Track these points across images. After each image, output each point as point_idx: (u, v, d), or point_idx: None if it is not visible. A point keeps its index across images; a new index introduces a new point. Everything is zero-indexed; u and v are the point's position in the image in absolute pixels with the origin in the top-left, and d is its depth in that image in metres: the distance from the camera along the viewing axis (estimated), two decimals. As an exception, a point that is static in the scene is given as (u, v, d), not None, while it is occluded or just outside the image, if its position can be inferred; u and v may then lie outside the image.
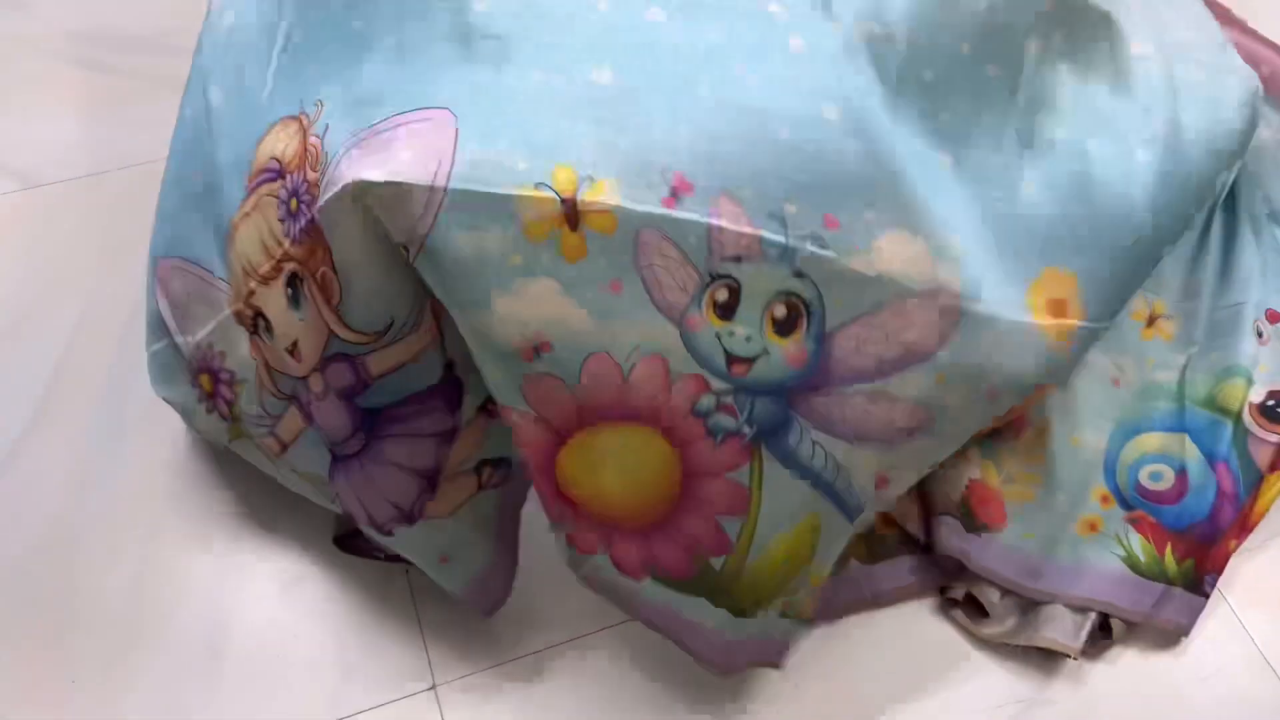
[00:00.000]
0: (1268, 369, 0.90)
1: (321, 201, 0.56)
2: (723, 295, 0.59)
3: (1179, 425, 0.87)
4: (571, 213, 0.56)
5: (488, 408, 0.65)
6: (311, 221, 0.57)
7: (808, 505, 0.64)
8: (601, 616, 0.77)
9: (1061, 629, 0.77)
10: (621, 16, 0.59)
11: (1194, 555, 0.82)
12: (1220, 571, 0.82)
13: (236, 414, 0.71)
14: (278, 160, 0.61)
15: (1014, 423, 0.82)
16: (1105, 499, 0.85)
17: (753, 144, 0.58)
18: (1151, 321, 0.93)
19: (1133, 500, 0.85)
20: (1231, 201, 0.95)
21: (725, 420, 0.61)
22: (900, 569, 0.81)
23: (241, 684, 0.74)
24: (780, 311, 0.60)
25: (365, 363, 0.62)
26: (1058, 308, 0.64)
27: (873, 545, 0.82)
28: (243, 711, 0.73)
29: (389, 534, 0.67)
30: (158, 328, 0.75)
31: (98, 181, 1.01)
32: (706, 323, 0.60)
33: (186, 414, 0.77)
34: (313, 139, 0.59)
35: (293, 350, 0.63)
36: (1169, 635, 0.79)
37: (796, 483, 0.63)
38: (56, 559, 0.78)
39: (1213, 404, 0.88)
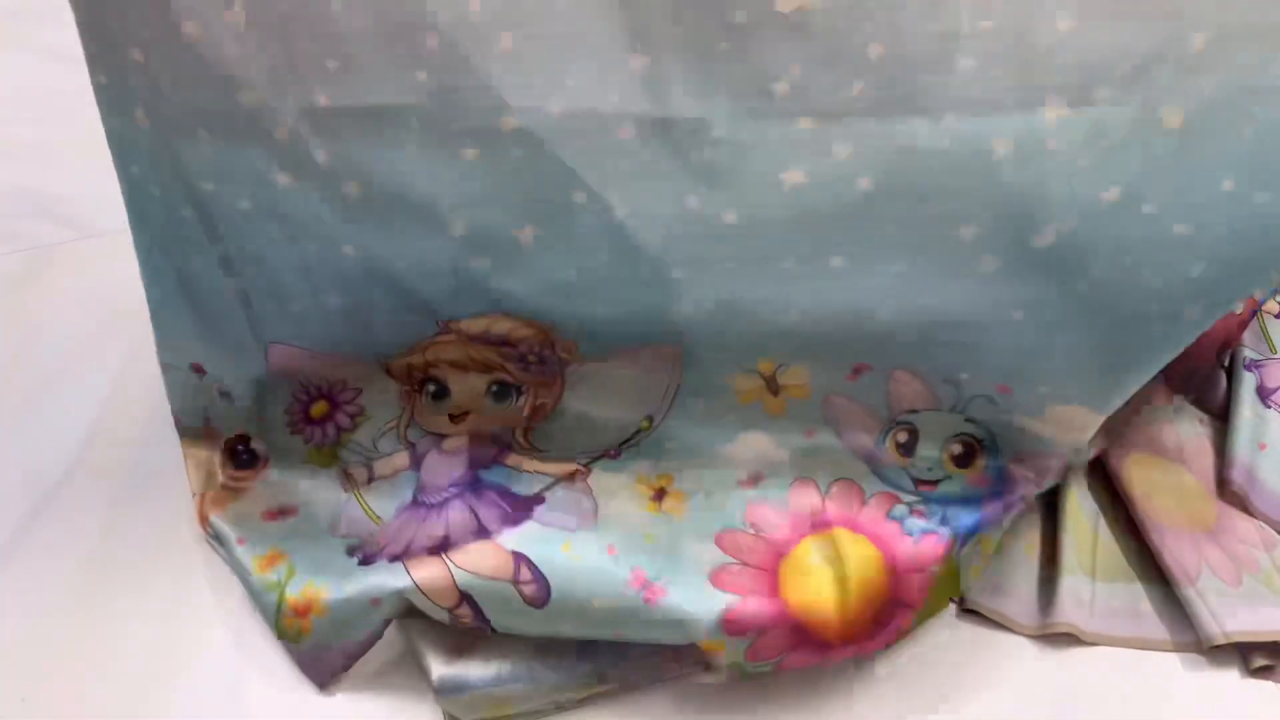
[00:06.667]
0: None
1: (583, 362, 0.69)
2: (903, 437, 0.68)
3: None
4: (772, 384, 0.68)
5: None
6: (560, 372, 0.69)
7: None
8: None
9: None
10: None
11: None
12: None
13: (341, 441, 0.75)
14: (501, 336, 0.68)
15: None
16: None
17: (924, 338, 0.63)
18: None
19: None
20: None
21: (918, 521, 0.66)
22: None
23: (256, 749, 0.72)
24: (956, 449, 0.68)
25: (508, 450, 0.73)
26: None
27: None
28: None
29: (371, 562, 0.69)
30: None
31: (151, 230, 1.03)
32: (892, 460, 0.68)
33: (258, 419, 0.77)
34: (565, 340, 0.68)
35: (458, 417, 0.72)
36: None
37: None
38: (83, 603, 0.78)
39: None
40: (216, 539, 0.75)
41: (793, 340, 0.65)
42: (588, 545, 0.68)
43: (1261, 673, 0.72)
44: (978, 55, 0.52)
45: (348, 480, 0.74)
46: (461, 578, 0.66)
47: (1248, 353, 0.86)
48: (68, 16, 1.11)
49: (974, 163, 0.54)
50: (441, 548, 0.68)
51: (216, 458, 0.78)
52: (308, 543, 0.73)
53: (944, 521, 0.66)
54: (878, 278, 0.60)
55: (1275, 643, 0.71)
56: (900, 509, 0.68)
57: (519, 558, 0.67)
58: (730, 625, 0.64)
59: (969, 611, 0.76)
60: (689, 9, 0.54)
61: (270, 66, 0.57)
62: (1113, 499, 0.80)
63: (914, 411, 0.67)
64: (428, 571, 0.67)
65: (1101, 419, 0.64)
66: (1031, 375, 0.63)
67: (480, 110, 0.57)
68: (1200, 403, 0.86)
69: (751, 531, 0.68)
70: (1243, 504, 0.79)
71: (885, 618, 0.65)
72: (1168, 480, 0.80)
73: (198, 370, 0.77)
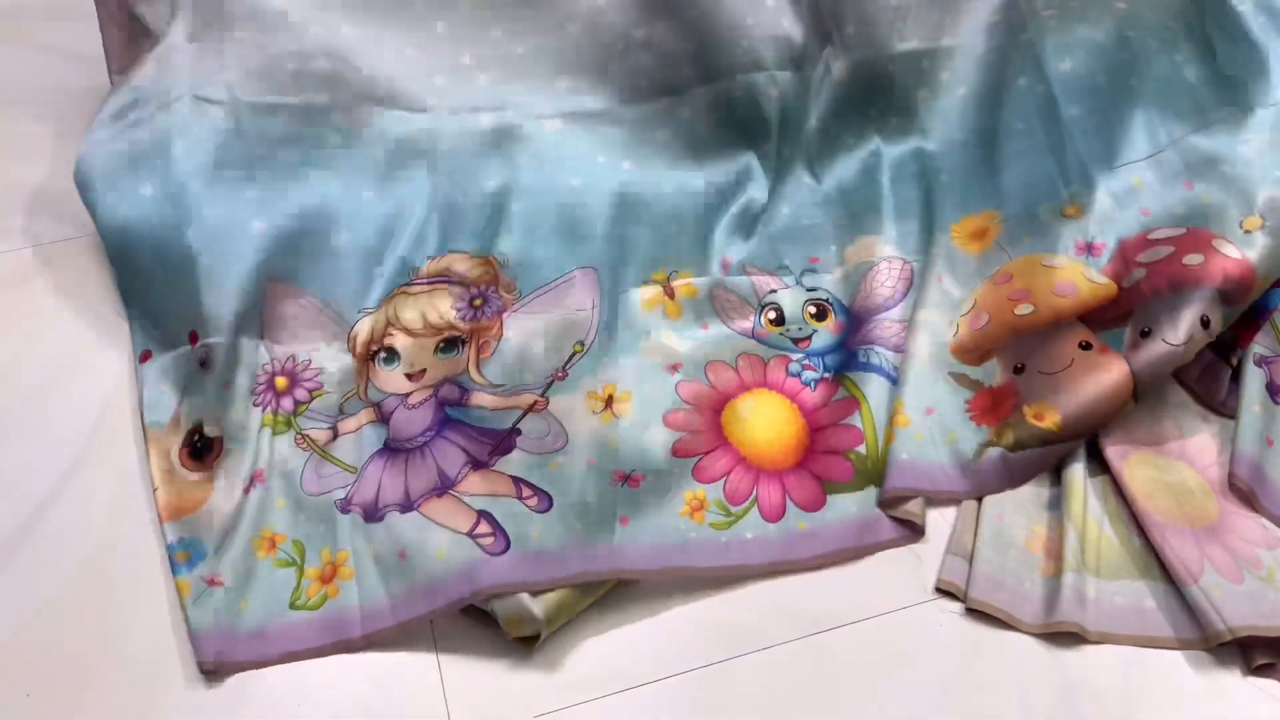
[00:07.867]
0: None
1: (517, 306, 0.93)
2: (772, 315, 0.96)
3: None
4: (667, 288, 0.96)
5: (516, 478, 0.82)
6: (499, 314, 0.92)
7: (891, 393, 0.87)
8: (622, 678, 0.74)
9: None
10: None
11: None
12: None
13: (299, 411, 0.87)
14: (460, 274, 0.94)
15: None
16: None
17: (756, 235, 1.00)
18: None
19: None
20: None
21: (810, 374, 0.91)
22: None
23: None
24: (812, 310, 0.96)
25: (470, 392, 0.87)
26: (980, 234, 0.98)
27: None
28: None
29: (379, 519, 0.79)
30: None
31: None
32: (769, 331, 0.94)
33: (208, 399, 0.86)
34: (507, 277, 0.94)
35: (414, 375, 0.88)
36: None
37: (876, 378, 0.89)
38: (88, 599, 0.77)
39: None
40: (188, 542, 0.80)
41: (667, 228, 0.98)
42: (570, 463, 0.82)
43: (1263, 671, 0.72)
44: (745, 41, 0.97)
45: (305, 441, 0.84)
46: (474, 501, 0.79)
47: (1257, 349, 0.86)
48: (69, 15, 1.11)
49: (759, 99, 0.99)
50: (444, 487, 0.80)
51: (175, 449, 0.84)
52: (295, 514, 0.81)
53: (825, 368, 0.91)
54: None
55: (1277, 640, 0.71)
56: (794, 366, 0.92)
57: (517, 480, 0.81)
58: (702, 475, 0.83)
59: (974, 610, 0.76)
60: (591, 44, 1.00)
61: (327, 73, 0.96)
62: (1116, 497, 0.80)
63: (773, 291, 0.97)
64: (441, 507, 0.79)
65: (881, 240, 0.97)
66: (823, 238, 0.99)
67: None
68: (1205, 399, 0.86)
69: (689, 406, 0.88)
70: (1248, 500, 0.79)
71: (814, 445, 0.86)
72: (1169, 478, 0.80)
73: (191, 340, 0.87)
